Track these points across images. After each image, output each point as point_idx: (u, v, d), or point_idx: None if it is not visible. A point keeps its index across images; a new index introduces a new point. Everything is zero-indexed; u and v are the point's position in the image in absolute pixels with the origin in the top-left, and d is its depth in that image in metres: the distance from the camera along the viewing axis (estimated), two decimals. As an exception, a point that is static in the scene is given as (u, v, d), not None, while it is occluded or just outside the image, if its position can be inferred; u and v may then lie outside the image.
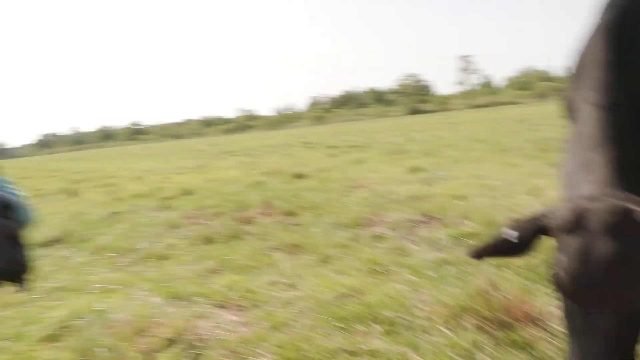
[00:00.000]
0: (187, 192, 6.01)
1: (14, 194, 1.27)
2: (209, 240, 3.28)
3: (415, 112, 69.85)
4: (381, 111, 77.56)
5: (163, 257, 3.04)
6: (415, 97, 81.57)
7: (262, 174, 7.17)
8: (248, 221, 3.84)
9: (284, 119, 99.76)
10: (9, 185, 1.29)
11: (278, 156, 11.45)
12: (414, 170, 5.93)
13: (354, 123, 50.08)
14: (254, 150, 15.47)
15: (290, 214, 3.92)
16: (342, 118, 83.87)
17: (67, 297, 2.47)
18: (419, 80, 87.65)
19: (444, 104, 71.47)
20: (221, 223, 3.80)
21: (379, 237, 2.96)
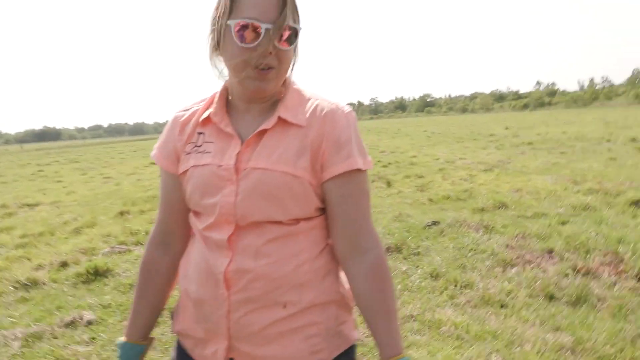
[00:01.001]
0: (501, 204, 5.78)
1: None
2: (550, 296, 3.04)
3: None
4: None
5: (502, 304, 2.99)
6: None
7: (587, 192, 6.24)
8: (588, 272, 3.39)
9: (592, 96, 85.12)
10: None
11: (597, 159, 9.79)
12: None
13: (700, 106, 38.13)
14: (562, 143, 13.73)
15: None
16: (679, 97, 65.62)
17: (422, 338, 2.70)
18: None
19: None
20: (557, 269, 3.47)
21: None
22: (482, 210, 5.64)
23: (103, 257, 4.46)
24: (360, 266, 0.96)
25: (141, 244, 4.92)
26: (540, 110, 79.81)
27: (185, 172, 1.01)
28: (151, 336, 1.14)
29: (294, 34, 0.93)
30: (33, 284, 3.79)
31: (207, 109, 1.05)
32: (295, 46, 0.98)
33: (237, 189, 0.94)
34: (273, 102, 1.02)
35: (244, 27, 0.88)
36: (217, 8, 0.94)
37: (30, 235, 5.65)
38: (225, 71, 1.01)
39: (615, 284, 3.16)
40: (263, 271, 0.94)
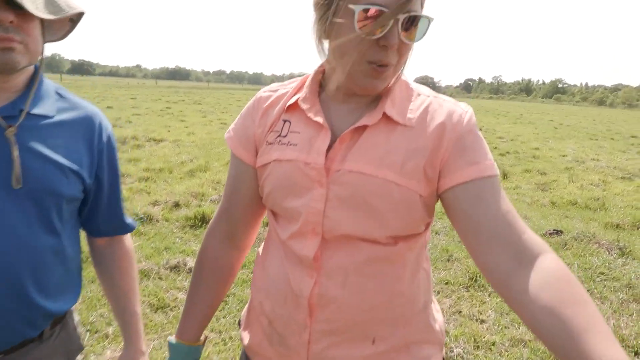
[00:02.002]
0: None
1: None
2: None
3: None
4: None
5: (637, 351, 2.52)
6: None
7: None
8: None
9: None
10: None
11: None
12: None
13: None
14: None
15: None
16: None
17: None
18: None
19: None
20: None
21: None
22: (617, 226, 4.87)
23: (210, 205, 4.66)
24: (539, 276, 0.66)
25: (246, 197, 5.06)
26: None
27: (265, 165, 0.86)
28: (204, 336, 1.03)
29: (425, 25, 0.74)
30: (148, 219, 4.08)
31: (296, 93, 0.88)
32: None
33: (327, 194, 0.79)
34: (376, 94, 0.83)
35: (371, 14, 0.72)
36: None
37: (152, 170, 6.13)
38: (331, 55, 0.82)
39: None
40: (352, 302, 0.82)
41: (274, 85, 0.95)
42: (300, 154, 0.82)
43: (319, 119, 0.82)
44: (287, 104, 0.87)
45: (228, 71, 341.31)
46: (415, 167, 0.78)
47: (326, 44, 0.83)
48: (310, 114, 0.83)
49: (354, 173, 0.78)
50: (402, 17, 0.72)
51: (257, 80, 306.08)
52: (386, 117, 0.80)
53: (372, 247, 0.80)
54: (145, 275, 3.00)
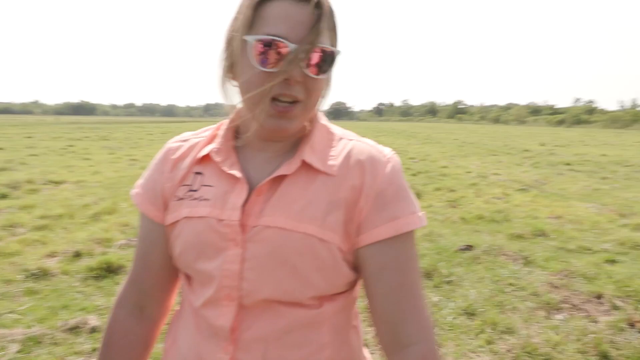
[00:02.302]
0: (540, 232, 5.39)
1: None
2: (603, 355, 2.67)
3: None
4: None
5: (548, 358, 2.65)
6: None
7: (636, 228, 5.76)
8: (643, 329, 3.00)
9: (633, 118, 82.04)
10: None
11: (644, 189, 9.19)
12: None
13: None
14: (603, 167, 13.05)
15: None
16: None
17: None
18: None
19: None
20: (610, 321, 3.09)
21: None
22: (520, 237, 5.25)
23: (118, 251, 4.29)
24: None
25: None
26: (577, 128, 77.33)
27: (174, 223, 0.78)
28: None
29: (330, 58, 0.70)
30: (43, 274, 3.64)
31: (209, 142, 0.81)
32: (329, 74, 0.74)
33: (243, 254, 0.71)
34: (295, 140, 0.78)
35: (266, 46, 0.67)
36: (235, 19, 0.73)
37: (50, 217, 5.55)
38: (238, 98, 0.77)
39: (679, 347, 2.77)
40: None
41: (184, 135, 0.87)
42: (213, 210, 0.74)
43: (235, 172, 0.75)
44: (199, 155, 0.80)
45: (139, 104, 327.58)
46: (336, 220, 0.72)
47: (234, 84, 0.77)
48: (225, 167, 0.76)
49: (273, 229, 0.71)
50: (302, 49, 0.67)
51: (170, 112, 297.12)
52: (306, 165, 0.75)
53: (295, 312, 0.74)
54: (37, 343, 2.63)
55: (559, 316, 3.18)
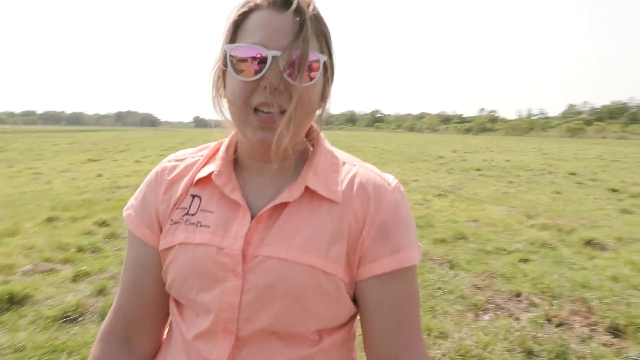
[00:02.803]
0: (460, 236, 5.69)
1: None
2: (528, 351, 2.85)
3: None
4: (662, 131, 62.49)
5: (473, 355, 2.76)
6: None
7: (542, 228, 6.30)
8: (561, 323, 3.25)
9: (530, 126, 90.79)
10: None
11: (543, 191, 10.13)
12: None
13: (622, 143, 41.52)
14: (508, 172, 14.21)
15: (616, 332, 3.13)
16: (604, 133, 71.47)
17: None
18: None
19: None
20: (530, 318, 3.31)
21: None
22: (443, 241, 5.50)
23: (22, 278, 3.82)
24: None
25: (71, 261, 4.30)
26: (483, 135, 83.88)
27: (168, 249, 0.73)
28: None
29: (315, 65, 0.67)
30: None
31: (207, 163, 0.77)
32: (325, 83, 0.72)
33: (242, 285, 0.68)
34: (297, 162, 0.75)
35: (244, 54, 0.65)
36: (222, 33, 0.71)
37: None
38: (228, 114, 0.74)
39: (590, 338, 3.02)
40: None
41: (180, 154, 0.81)
42: (213, 238, 0.70)
43: (236, 197, 0.71)
44: (197, 177, 0.75)
45: (40, 111, 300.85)
46: (340, 252, 0.70)
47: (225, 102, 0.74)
48: (227, 191, 0.71)
49: (274, 259, 0.68)
50: (279, 54, 0.64)
51: (77, 120, 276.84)
52: (309, 192, 0.71)
53: (294, 347, 0.69)
54: None
55: (486, 317, 3.35)
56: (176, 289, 0.73)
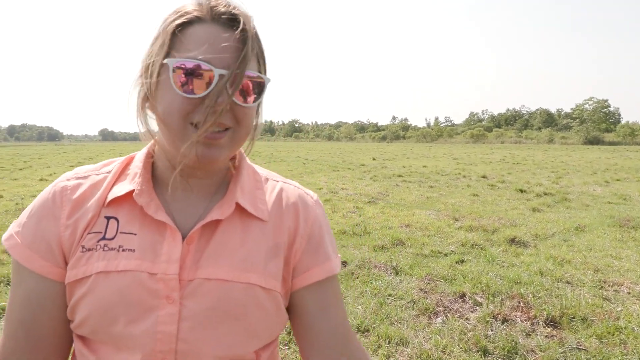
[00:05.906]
0: (397, 241, 5.87)
1: None
2: (484, 350, 2.99)
3: (595, 141, 61.75)
4: (549, 135, 70.21)
5: (434, 359, 2.84)
6: (595, 125, 72.11)
7: (469, 229, 6.71)
8: (505, 319, 3.46)
9: (438, 133, 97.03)
10: None
11: (462, 194, 10.83)
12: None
13: (518, 147, 45.96)
14: (427, 177, 15.03)
15: (554, 324, 3.41)
16: (502, 139, 78.53)
17: None
18: (605, 106, 77.45)
19: (632, 135, 61.74)
20: (478, 317, 3.48)
21: None
22: (383, 247, 5.63)
23: None
24: None
25: (-17, 298, 3.76)
26: (397, 143, 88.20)
27: (81, 279, 0.64)
28: None
29: (259, 86, 0.67)
30: None
31: (117, 180, 0.71)
32: (260, 104, 0.71)
33: (180, 312, 0.64)
34: (221, 179, 0.74)
35: (189, 70, 0.62)
36: (153, 43, 0.67)
37: None
38: (156, 128, 0.71)
39: (533, 331, 3.25)
40: None
41: (80, 170, 0.73)
42: (142, 263, 0.64)
43: (162, 217, 0.65)
44: (110, 197, 0.67)
45: None
46: (276, 266, 0.71)
47: (150, 114, 0.69)
48: (150, 211, 0.65)
49: (213, 281, 0.65)
50: (226, 73, 0.62)
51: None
52: (240, 208, 0.70)
53: None
54: None
55: (439, 319, 3.47)
56: (92, 325, 0.64)
